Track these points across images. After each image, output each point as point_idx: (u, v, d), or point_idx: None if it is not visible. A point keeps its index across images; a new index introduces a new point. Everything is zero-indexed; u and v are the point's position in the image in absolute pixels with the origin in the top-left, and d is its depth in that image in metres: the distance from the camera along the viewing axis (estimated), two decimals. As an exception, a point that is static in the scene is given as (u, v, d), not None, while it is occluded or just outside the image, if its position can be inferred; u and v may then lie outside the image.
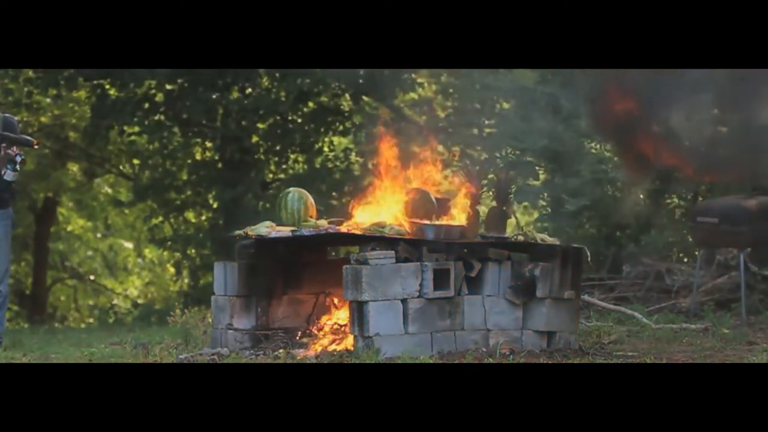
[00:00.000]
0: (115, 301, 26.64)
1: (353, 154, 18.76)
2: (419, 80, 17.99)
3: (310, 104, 17.88)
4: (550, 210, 13.87)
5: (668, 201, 13.80)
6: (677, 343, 9.30)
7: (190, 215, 20.27)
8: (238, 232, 8.81)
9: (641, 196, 13.68)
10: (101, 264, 26.81)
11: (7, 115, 9.51)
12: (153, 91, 18.06)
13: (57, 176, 20.90)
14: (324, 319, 8.81)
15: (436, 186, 8.74)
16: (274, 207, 9.46)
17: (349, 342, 8.22)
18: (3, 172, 9.16)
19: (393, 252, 8.05)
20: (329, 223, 8.65)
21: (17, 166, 9.17)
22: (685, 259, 13.28)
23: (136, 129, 18.47)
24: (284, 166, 18.87)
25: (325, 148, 18.66)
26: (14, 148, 9.16)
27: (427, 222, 8.28)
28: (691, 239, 12.32)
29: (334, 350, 8.24)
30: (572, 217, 13.53)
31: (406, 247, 8.10)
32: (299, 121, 18.14)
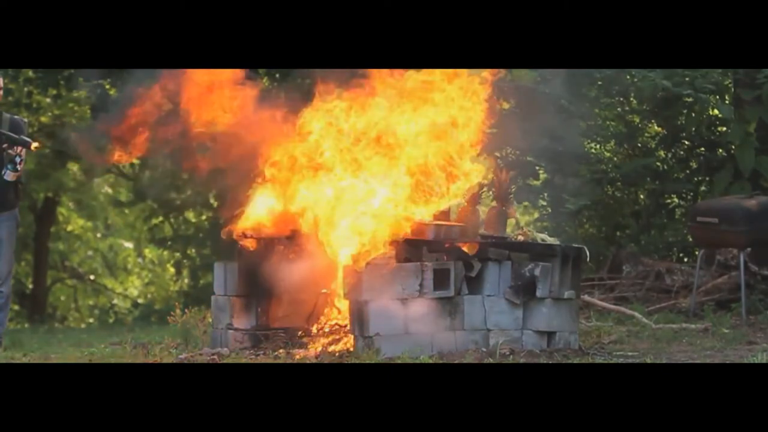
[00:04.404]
0: (115, 301, 26.66)
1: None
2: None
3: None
4: (550, 210, 13.87)
5: (668, 201, 13.80)
6: (677, 343, 9.30)
7: (190, 215, 20.29)
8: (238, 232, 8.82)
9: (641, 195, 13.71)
10: (101, 264, 26.84)
11: (15, 116, 9.54)
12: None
13: (57, 176, 20.92)
14: (324, 319, 8.80)
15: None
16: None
17: (349, 342, 8.21)
18: (3, 172, 9.17)
19: (393, 252, 8.04)
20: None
21: (17, 167, 9.17)
22: (685, 259, 13.29)
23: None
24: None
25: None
26: (16, 148, 9.17)
27: (427, 222, 8.28)
28: (691, 239, 12.32)
29: (334, 350, 8.23)
30: (572, 217, 13.54)
31: (406, 247, 8.10)
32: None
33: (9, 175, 9.19)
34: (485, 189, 9.08)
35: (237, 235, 8.86)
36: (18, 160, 9.16)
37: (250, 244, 8.81)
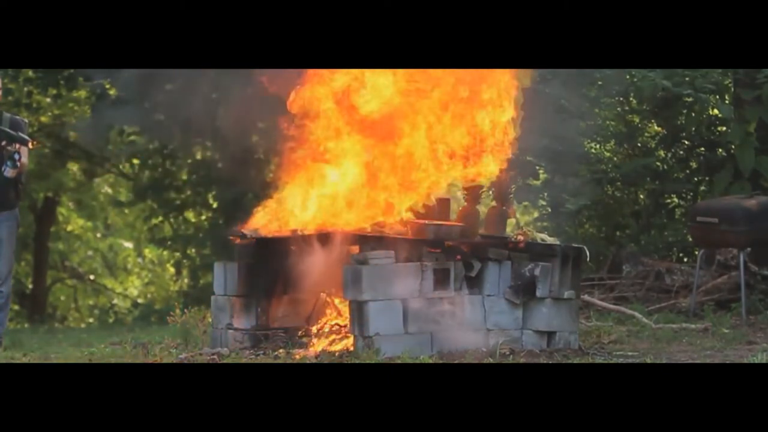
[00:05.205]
0: (115, 301, 26.66)
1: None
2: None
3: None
4: (550, 210, 13.87)
5: (668, 201, 13.81)
6: (677, 343, 9.30)
7: (190, 215, 20.30)
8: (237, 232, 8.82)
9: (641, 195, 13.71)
10: (101, 264, 26.84)
11: (16, 116, 9.58)
12: (153, 91, 18.04)
13: (57, 176, 20.92)
14: (324, 319, 8.80)
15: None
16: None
17: (349, 342, 8.21)
18: (3, 169, 9.19)
19: (393, 252, 8.04)
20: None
21: (17, 163, 9.19)
22: (685, 259, 13.28)
23: (137, 129, 18.48)
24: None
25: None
26: (14, 145, 9.19)
27: (427, 222, 8.28)
28: (691, 239, 12.32)
29: (334, 350, 8.23)
30: (572, 217, 13.53)
31: (406, 247, 8.10)
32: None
33: (9, 172, 9.21)
34: (485, 189, 9.07)
35: (234, 235, 8.87)
36: (17, 157, 9.18)
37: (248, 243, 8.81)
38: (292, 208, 8.75)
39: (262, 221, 8.76)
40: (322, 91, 8.59)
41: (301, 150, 8.74)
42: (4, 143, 9.22)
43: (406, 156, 8.52)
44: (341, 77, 8.56)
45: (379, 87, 8.48)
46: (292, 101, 8.64)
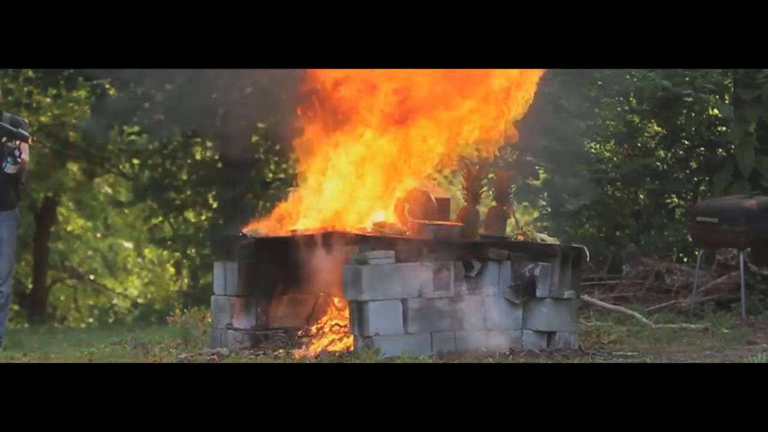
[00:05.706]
0: (115, 301, 26.65)
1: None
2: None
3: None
4: (550, 210, 13.87)
5: (668, 201, 13.81)
6: (677, 343, 9.31)
7: (190, 215, 20.30)
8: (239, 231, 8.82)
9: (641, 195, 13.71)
10: (101, 264, 26.83)
11: (16, 116, 9.59)
12: (153, 91, 18.06)
13: (57, 176, 20.92)
14: (324, 319, 8.80)
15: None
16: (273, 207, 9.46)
17: (349, 342, 8.21)
18: (3, 165, 9.18)
19: (393, 252, 8.04)
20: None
21: (17, 159, 9.19)
22: (685, 259, 13.29)
23: (136, 129, 18.48)
24: (284, 166, 18.87)
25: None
26: (14, 141, 9.19)
27: (427, 222, 8.28)
28: (691, 239, 12.33)
29: (334, 350, 8.23)
30: (572, 217, 13.53)
31: (406, 247, 8.10)
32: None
33: (9, 168, 9.19)
34: (485, 189, 9.07)
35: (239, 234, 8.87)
36: (17, 153, 9.17)
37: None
38: (293, 208, 8.77)
39: (268, 221, 8.78)
40: (323, 89, 8.60)
41: (301, 149, 8.76)
42: (4, 140, 9.21)
43: (407, 150, 8.55)
44: (342, 75, 8.56)
45: (379, 85, 8.50)
46: (293, 100, 8.64)
